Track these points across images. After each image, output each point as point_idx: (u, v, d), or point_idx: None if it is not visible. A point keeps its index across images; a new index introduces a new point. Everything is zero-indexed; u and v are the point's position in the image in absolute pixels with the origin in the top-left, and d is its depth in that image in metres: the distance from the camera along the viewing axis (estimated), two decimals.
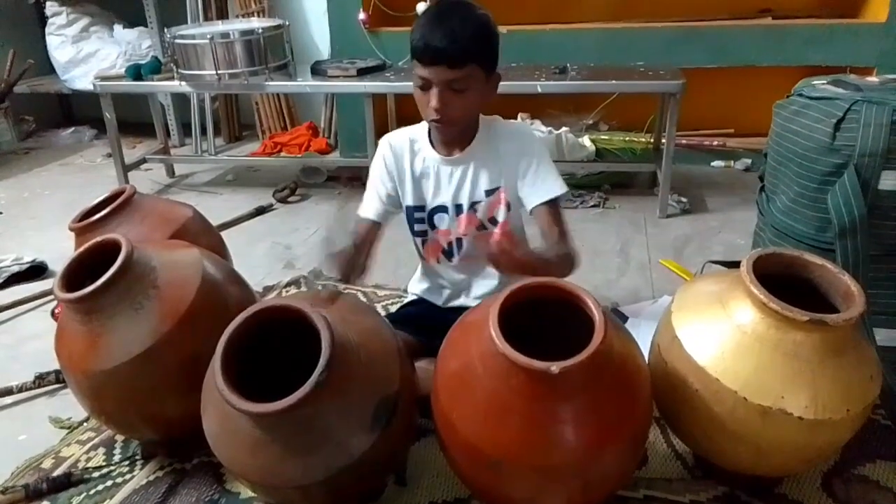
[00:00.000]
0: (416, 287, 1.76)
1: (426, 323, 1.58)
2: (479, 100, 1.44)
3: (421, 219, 1.59)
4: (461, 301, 1.66)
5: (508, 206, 1.54)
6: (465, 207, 1.54)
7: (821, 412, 1.07)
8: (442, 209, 1.56)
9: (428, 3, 3.03)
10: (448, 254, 1.61)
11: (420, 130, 1.57)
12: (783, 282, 1.15)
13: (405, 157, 1.56)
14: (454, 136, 1.51)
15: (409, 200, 1.57)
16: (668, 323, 1.22)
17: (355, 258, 1.43)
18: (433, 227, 1.59)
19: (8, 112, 3.89)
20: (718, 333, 1.14)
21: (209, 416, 1.17)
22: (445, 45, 1.34)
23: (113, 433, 1.53)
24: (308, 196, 3.07)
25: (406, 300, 1.82)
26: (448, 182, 1.54)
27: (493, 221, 1.56)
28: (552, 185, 1.49)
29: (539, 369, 0.95)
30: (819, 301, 1.15)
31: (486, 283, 1.64)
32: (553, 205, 1.49)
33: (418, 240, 1.63)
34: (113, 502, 1.35)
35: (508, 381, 1.01)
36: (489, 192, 1.53)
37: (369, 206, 1.57)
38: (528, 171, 1.50)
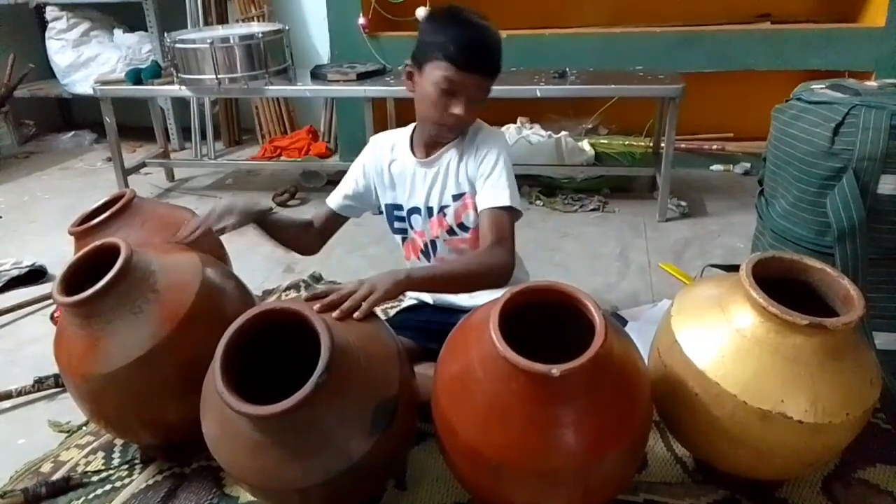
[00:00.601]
0: None
1: (426, 326, 1.58)
2: (482, 109, 1.46)
3: (400, 217, 1.62)
4: (451, 299, 1.64)
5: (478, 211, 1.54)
6: (436, 210, 1.56)
7: (821, 416, 1.07)
8: (416, 210, 1.59)
9: (428, 8, 3.05)
10: (426, 253, 1.63)
11: (403, 134, 1.59)
12: (782, 285, 1.15)
13: (385, 158, 1.59)
14: (447, 139, 1.51)
15: (388, 199, 1.61)
16: (668, 327, 1.22)
17: (294, 228, 1.58)
18: (411, 226, 1.62)
19: (8, 116, 3.90)
20: (718, 337, 1.14)
21: (208, 419, 1.17)
22: (487, 53, 1.35)
23: (112, 437, 1.53)
24: (308, 200, 3.07)
25: (405, 304, 1.82)
26: (422, 184, 1.56)
27: (462, 227, 1.56)
28: (501, 194, 1.44)
29: (539, 372, 0.95)
30: (818, 305, 1.15)
31: None
32: (496, 212, 1.43)
33: (398, 238, 1.67)
34: None
35: (509, 385, 1.01)
36: (456, 197, 1.54)
37: (335, 196, 1.65)
38: (484, 176, 1.48)
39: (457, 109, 1.38)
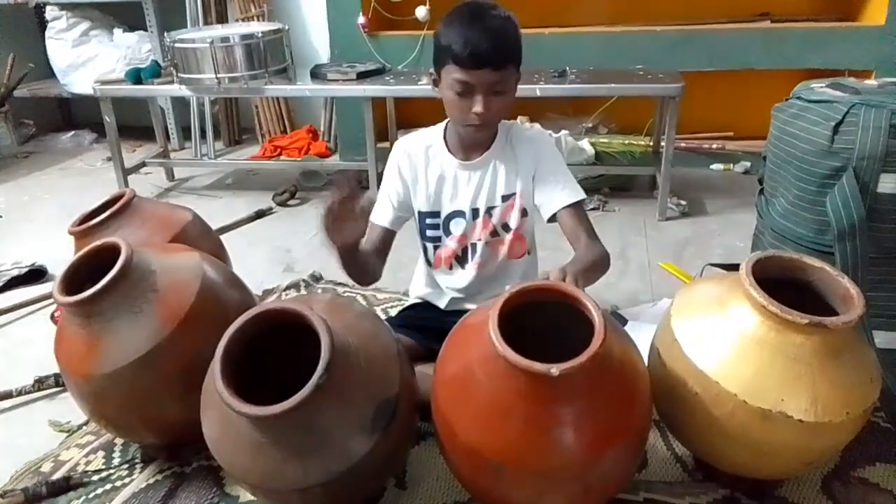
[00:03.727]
0: (419, 290, 1.75)
1: (427, 326, 1.58)
2: (514, 99, 1.44)
3: (435, 225, 1.58)
4: (466, 304, 1.65)
5: (524, 213, 1.55)
6: (482, 212, 1.54)
7: (821, 415, 1.07)
8: (459, 214, 1.56)
9: (428, 7, 3.05)
10: (461, 260, 1.61)
11: (435, 135, 1.56)
12: (782, 285, 1.15)
13: (420, 162, 1.55)
14: (485, 139, 1.50)
15: (422, 206, 1.57)
16: (668, 326, 1.22)
17: (366, 257, 1.43)
18: (448, 233, 1.58)
19: (8, 116, 3.89)
20: (718, 336, 1.14)
21: (209, 419, 1.17)
22: (490, 48, 1.33)
23: (112, 437, 1.53)
24: (308, 199, 3.07)
25: (406, 303, 1.82)
26: (466, 186, 1.54)
27: (506, 227, 1.56)
28: (573, 191, 1.50)
29: (539, 371, 0.95)
30: (818, 304, 1.15)
31: (502, 289, 1.62)
32: (577, 207, 1.49)
33: (430, 245, 1.62)
34: None
35: (508, 384, 1.01)
36: (505, 198, 1.54)
37: (382, 212, 1.55)
38: (547, 178, 1.51)
39: (476, 108, 1.38)
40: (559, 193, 1.50)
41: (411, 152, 1.56)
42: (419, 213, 1.58)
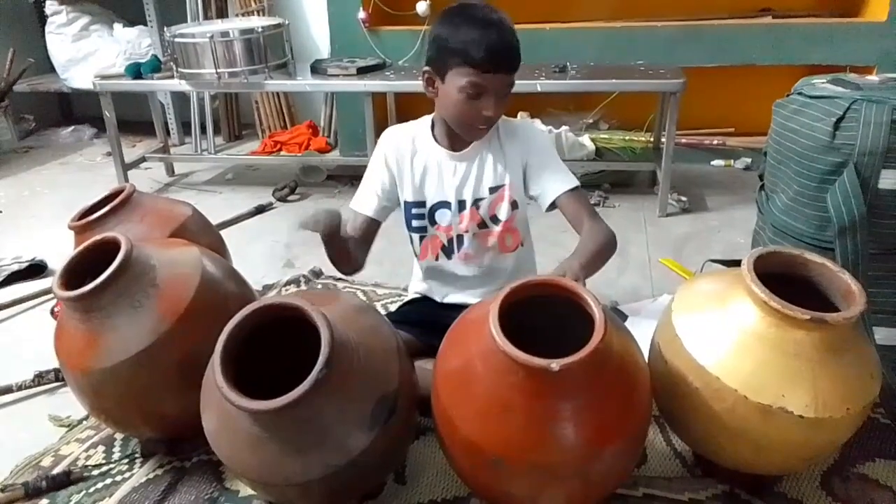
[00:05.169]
0: (416, 285, 1.75)
1: (426, 322, 1.58)
2: None
3: (420, 214, 1.58)
4: (461, 297, 1.65)
5: (514, 205, 1.54)
6: (469, 204, 1.54)
7: (821, 411, 1.07)
8: (444, 205, 1.56)
9: (428, 2, 3.04)
10: (447, 251, 1.61)
11: (421, 126, 1.56)
12: (783, 280, 1.15)
13: (406, 152, 1.55)
14: (480, 138, 1.50)
15: (408, 196, 1.56)
16: (668, 321, 1.22)
17: (350, 243, 1.45)
18: (433, 223, 1.58)
19: (8, 111, 3.89)
20: (718, 332, 1.14)
21: (209, 413, 1.17)
22: (509, 52, 1.34)
23: (112, 431, 1.53)
24: (308, 195, 3.07)
25: (406, 298, 1.82)
26: (452, 177, 1.53)
27: (494, 219, 1.56)
28: (566, 177, 1.51)
29: (539, 367, 0.95)
30: (819, 300, 1.15)
31: (494, 281, 1.62)
32: (575, 191, 1.50)
33: (416, 236, 1.62)
34: (112, 500, 1.35)
35: (508, 379, 1.01)
36: (493, 190, 1.53)
37: (366, 201, 1.56)
38: (540, 169, 1.51)
39: (488, 111, 1.38)
40: (555, 181, 1.50)
41: (398, 142, 1.55)
42: (405, 202, 1.58)
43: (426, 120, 1.57)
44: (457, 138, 1.52)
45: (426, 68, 1.44)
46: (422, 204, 1.57)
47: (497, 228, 1.56)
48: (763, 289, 1.09)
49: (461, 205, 1.55)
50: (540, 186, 1.52)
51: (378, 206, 1.55)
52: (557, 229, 2.57)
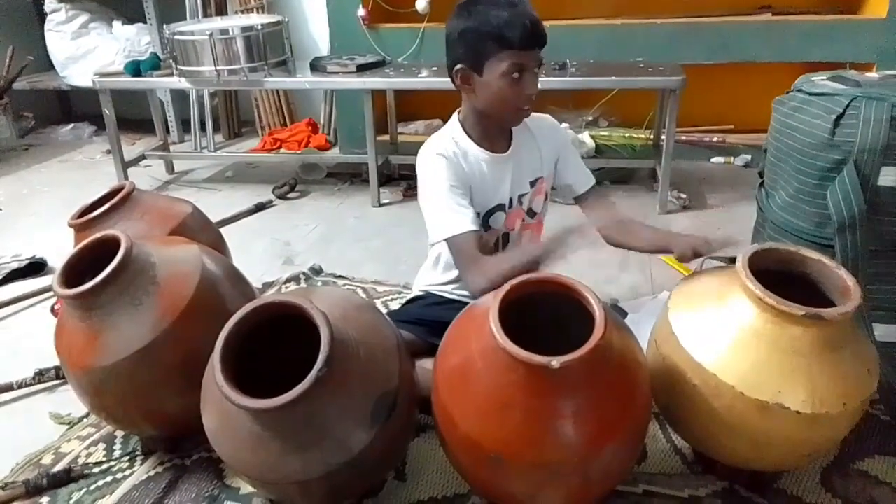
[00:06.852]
0: (435, 278, 1.69)
1: (427, 321, 1.58)
2: None
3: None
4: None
5: (546, 196, 1.61)
6: (515, 201, 1.56)
7: (818, 407, 1.07)
8: (498, 208, 1.55)
9: (428, 1, 3.03)
10: (493, 252, 1.57)
11: (457, 134, 1.51)
12: (781, 277, 1.15)
13: (461, 163, 1.48)
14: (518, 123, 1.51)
15: None
16: (666, 318, 1.22)
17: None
18: (487, 228, 1.55)
19: (7, 108, 3.89)
20: (716, 329, 1.15)
21: (209, 411, 1.18)
22: (540, 25, 1.36)
23: (113, 429, 1.53)
24: (307, 192, 3.07)
25: (408, 296, 1.81)
26: (500, 178, 1.52)
27: (531, 213, 1.60)
28: (587, 171, 1.65)
29: (539, 364, 0.95)
30: (816, 296, 1.16)
31: None
32: (596, 187, 1.64)
33: None
34: (113, 498, 1.36)
35: (508, 376, 1.01)
36: (532, 183, 1.57)
37: (462, 220, 1.42)
38: (570, 161, 1.61)
39: (530, 89, 1.40)
40: (583, 175, 1.63)
41: (450, 156, 1.46)
42: None
43: (454, 126, 1.52)
44: (493, 134, 1.51)
45: (459, 67, 1.41)
46: (477, 214, 1.50)
47: (532, 221, 1.61)
48: (758, 285, 1.09)
49: (510, 203, 1.56)
50: (571, 178, 1.62)
51: (473, 215, 1.44)
52: (556, 225, 2.57)
